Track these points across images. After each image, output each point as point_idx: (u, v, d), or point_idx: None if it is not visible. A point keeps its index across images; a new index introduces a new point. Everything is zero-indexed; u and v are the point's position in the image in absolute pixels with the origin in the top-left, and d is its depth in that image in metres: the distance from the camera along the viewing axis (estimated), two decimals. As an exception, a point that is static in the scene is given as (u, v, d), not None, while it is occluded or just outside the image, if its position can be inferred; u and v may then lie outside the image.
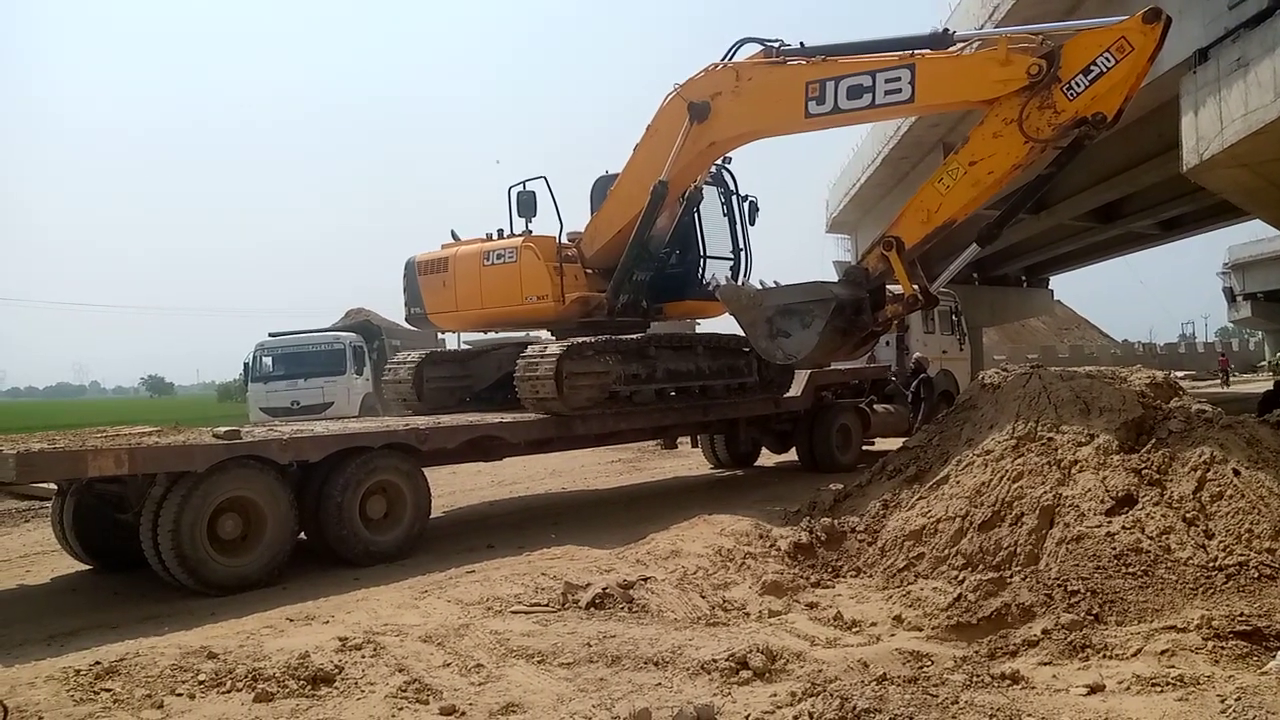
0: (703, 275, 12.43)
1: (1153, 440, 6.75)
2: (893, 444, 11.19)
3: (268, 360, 22.86)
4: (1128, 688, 4.40)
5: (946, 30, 9.78)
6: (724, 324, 12.77)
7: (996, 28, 17.49)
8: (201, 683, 4.83)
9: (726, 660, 4.93)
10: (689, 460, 16.40)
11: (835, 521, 7.62)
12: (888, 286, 10.28)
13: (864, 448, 14.48)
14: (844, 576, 6.97)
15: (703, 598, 6.39)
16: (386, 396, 13.08)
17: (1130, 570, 5.67)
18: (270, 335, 23.59)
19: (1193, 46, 15.20)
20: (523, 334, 14.13)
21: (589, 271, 11.67)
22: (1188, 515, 6.03)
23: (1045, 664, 4.86)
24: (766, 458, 15.62)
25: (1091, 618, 5.32)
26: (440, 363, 12.31)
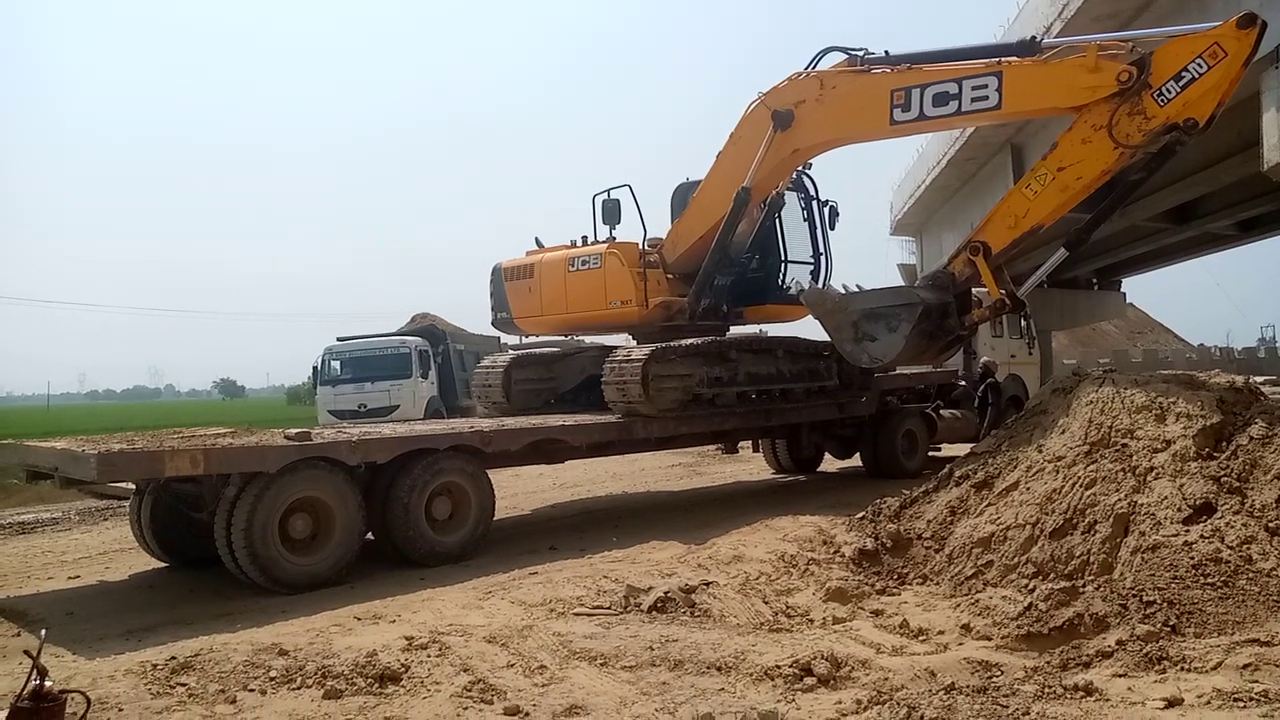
0: (783, 280, 12.54)
1: (1232, 447, 6.53)
2: (959, 450, 11.03)
3: (336, 364, 23.25)
4: (1208, 702, 4.26)
5: (1034, 38, 9.77)
6: (802, 327, 12.87)
7: (1065, 25, 17.20)
8: (273, 679, 4.94)
9: (790, 666, 4.89)
10: (750, 465, 16.31)
11: (901, 528, 7.51)
12: (974, 291, 10.24)
13: (930, 454, 14.25)
14: (910, 584, 6.86)
15: (765, 603, 6.35)
16: (476, 398, 13.38)
17: (1209, 581, 5.49)
18: (338, 340, 24.00)
19: (1274, 41, 14.67)
20: (574, 339, 14.27)
21: (670, 276, 11.87)
22: (1270, 525, 5.81)
23: (1120, 676, 4.72)
24: (829, 463, 15.47)
25: (1168, 629, 5.16)
26: (527, 365, 12.58)
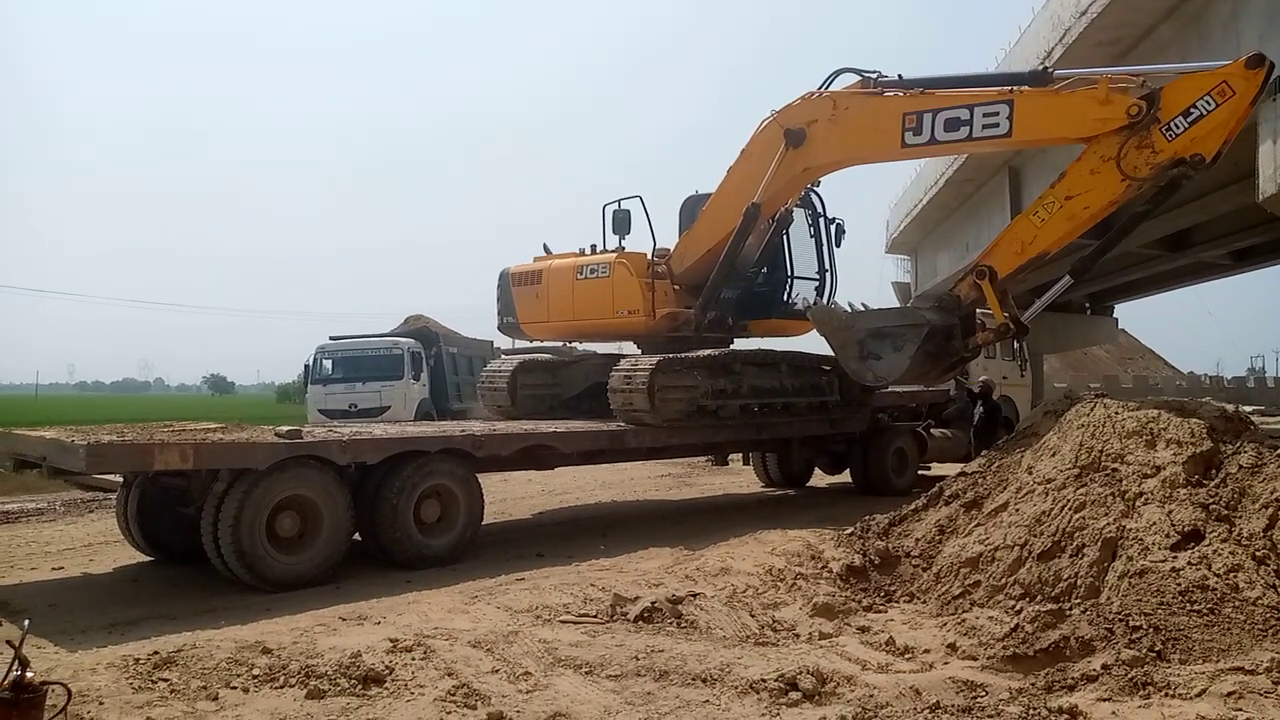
0: (789, 295, 12.70)
1: (1222, 475, 6.55)
2: (949, 469, 11.05)
3: (327, 363, 23.18)
4: (1191, 729, 4.26)
5: (1045, 68, 9.90)
6: (803, 342, 12.98)
7: (1066, 51, 17.32)
8: (256, 677, 4.91)
9: (776, 680, 4.88)
10: (739, 477, 16.33)
11: (889, 545, 7.52)
12: (978, 313, 10.36)
13: (920, 472, 14.28)
14: (897, 601, 6.86)
15: (752, 616, 6.34)
16: (483, 401, 13.48)
17: (1195, 608, 5.50)
18: (331, 339, 23.94)
19: (1272, 73, 14.79)
20: (567, 345, 14.31)
21: (677, 288, 11.98)
22: (1258, 553, 5.82)
23: (1104, 700, 4.72)
24: (819, 478, 15.48)
25: (1154, 654, 5.16)
26: (533, 370, 12.67)
